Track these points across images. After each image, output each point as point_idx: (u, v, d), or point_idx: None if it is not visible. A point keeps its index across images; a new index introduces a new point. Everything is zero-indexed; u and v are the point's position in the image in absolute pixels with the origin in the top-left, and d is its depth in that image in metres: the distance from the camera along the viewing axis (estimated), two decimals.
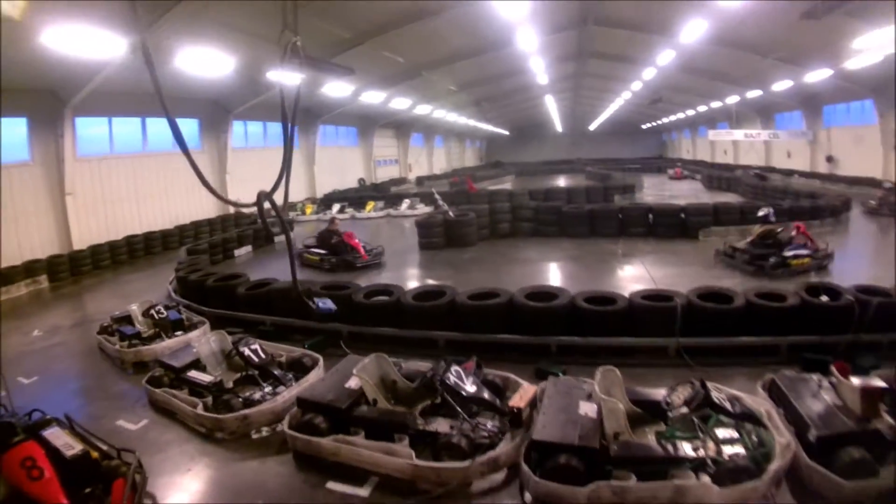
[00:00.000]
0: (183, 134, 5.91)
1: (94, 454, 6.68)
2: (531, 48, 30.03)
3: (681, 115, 67.99)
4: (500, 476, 6.80)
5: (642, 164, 71.54)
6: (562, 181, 52.03)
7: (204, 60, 20.96)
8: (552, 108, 67.26)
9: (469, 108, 55.94)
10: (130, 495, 6.14)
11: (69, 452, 6.39)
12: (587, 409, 6.87)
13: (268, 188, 6.85)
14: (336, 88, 31.52)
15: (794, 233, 17.25)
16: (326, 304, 9.90)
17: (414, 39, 27.77)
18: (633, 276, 16.59)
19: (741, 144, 62.00)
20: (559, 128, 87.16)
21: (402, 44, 27.98)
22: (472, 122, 64.59)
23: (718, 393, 6.98)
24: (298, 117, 7.95)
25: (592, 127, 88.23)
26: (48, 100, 23.07)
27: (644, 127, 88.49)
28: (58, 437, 6.70)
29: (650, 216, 22.26)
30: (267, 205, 6.83)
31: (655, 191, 41.77)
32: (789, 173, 48.75)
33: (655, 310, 10.14)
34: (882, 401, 6.53)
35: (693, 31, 24.55)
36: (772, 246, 16.69)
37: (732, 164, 60.94)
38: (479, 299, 11.02)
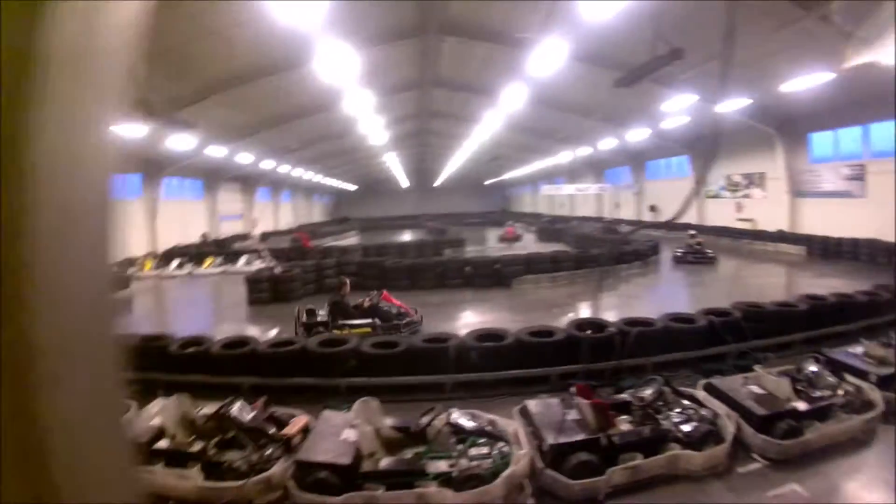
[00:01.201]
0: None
1: None
2: (367, 109, 30.59)
3: (520, 171, 70.40)
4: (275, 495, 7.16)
5: (486, 218, 73.94)
6: (406, 236, 52.57)
7: None
8: (395, 165, 68.48)
9: (314, 164, 55.90)
10: None
11: None
12: (348, 434, 7.47)
13: None
14: (180, 141, 30.86)
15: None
16: None
17: (254, 97, 28.08)
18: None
19: (577, 197, 65.83)
20: (406, 183, 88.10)
21: (243, 101, 28.34)
22: (319, 178, 64.41)
23: (469, 420, 8.03)
24: (142, 169, 8.20)
25: (437, 183, 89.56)
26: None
27: (487, 183, 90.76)
28: None
29: (467, 268, 22.99)
30: None
31: (491, 244, 42.96)
32: (617, 222, 52.19)
33: (433, 351, 10.90)
34: (608, 413, 7.76)
35: (515, 93, 25.92)
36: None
37: (569, 216, 64.07)
38: (277, 346, 11.38)
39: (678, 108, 28.62)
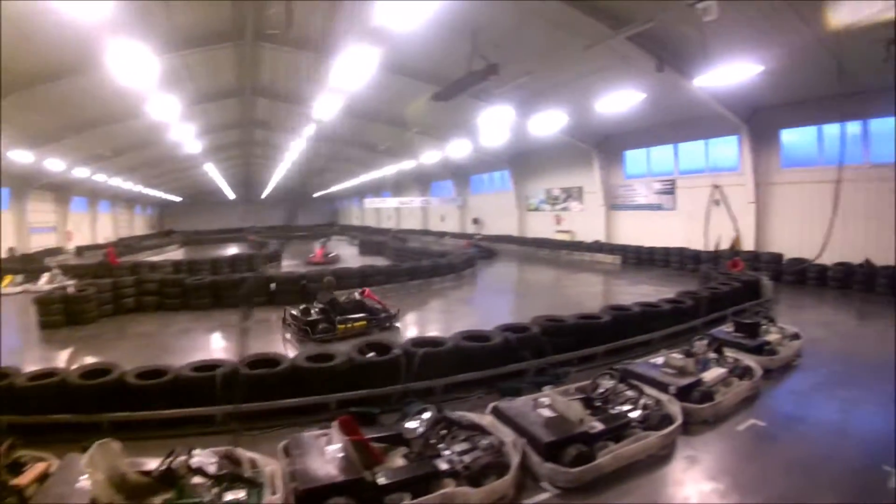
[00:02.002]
0: None
1: None
2: (175, 116, 28.73)
3: (348, 184, 69.66)
4: None
5: (315, 231, 72.60)
6: (231, 249, 50.12)
7: None
8: (218, 176, 65.56)
9: (134, 173, 52.10)
10: None
11: None
12: (545, 412, 8.08)
13: None
14: None
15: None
16: None
17: (54, 99, 25.31)
18: (226, 347, 15.84)
19: (402, 210, 66.51)
20: (232, 195, 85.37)
21: (42, 103, 25.57)
22: (139, 188, 60.17)
23: (214, 460, 6.98)
24: None
25: (265, 195, 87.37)
26: None
27: (316, 195, 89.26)
28: None
29: (272, 285, 21.73)
30: None
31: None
32: (442, 235, 53.56)
33: (199, 380, 9.74)
34: (371, 449, 7.11)
35: (330, 103, 25.28)
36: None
37: (396, 228, 64.64)
38: (37, 379, 9.84)
39: (497, 123, 28.82)
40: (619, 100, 21.37)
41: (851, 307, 20.02)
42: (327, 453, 7.05)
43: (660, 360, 10.59)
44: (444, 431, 7.86)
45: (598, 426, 7.97)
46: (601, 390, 9.00)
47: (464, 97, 22.65)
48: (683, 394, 9.21)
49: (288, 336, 16.25)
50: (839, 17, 15.07)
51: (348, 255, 40.80)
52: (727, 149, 27.84)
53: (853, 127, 22.42)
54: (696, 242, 28.21)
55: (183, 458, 6.61)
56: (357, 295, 17.76)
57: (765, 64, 17.27)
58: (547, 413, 8.32)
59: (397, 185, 63.23)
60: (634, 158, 33.95)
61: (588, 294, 22.99)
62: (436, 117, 31.94)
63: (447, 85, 20.63)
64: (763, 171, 25.99)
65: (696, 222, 29.06)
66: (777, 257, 24.67)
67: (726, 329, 13.15)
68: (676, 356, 10.33)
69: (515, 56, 20.75)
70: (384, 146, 43.00)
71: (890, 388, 10.35)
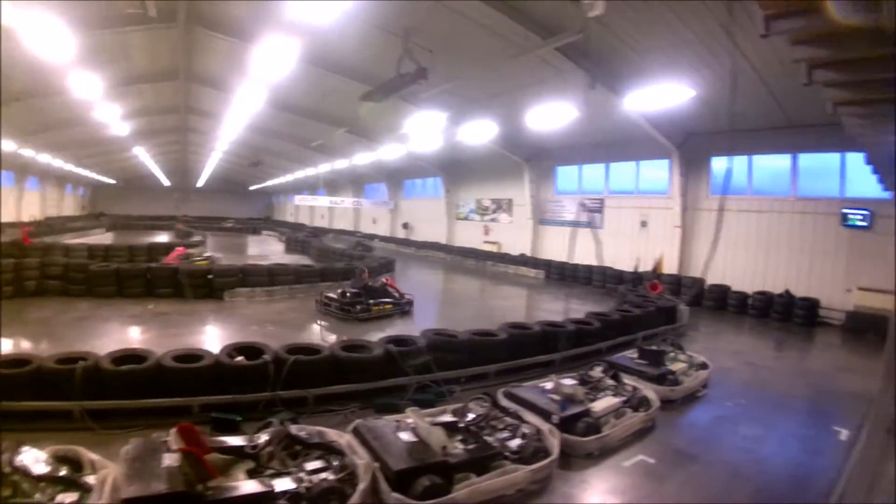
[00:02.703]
0: None
1: None
2: (98, 95, 27.12)
3: (283, 179, 68.28)
4: None
5: (247, 224, 71.63)
6: (161, 237, 47.91)
7: None
8: (151, 161, 63.35)
9: (63, 150, 48.97)
10: None
11: None
12: (406, 436, 7.29)
13: None
14: None
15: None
16: None
17: None
18: (117, 339, 14.74)
19: (336, 210, 65.99)
20: (167, 182, 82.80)
21: None
22: (70, 167, 56.84)
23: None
24: None
25: (200, 184, 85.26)
26: None
27: (253, 188, 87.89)
28: None
29: (178, 277, 20.44)
30: None
31: (231, 252, 40.04)
32: (372, 237, 52.64)
33: (60, 373, 8.72)
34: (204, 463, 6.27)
35: (255, 92, 24.29)
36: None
37: (327, 227, 64.27)
38: None
39: (427, 129, 28.11)
40: (552, 114, 20.77)
41: (768, 336, 19.89)
42: (163, 461, 6.28)
43: (549, 384, 9.78)
44: (298, 447, 7.12)
45: (461, 455, 7.19)
46: (472, 416, 8.20)
47: (396, 100, 22.36)
48: (567, 424, 8.46)
49: (320, 323, 17.78)
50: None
51: (270, 252, 39.70)
52: (658, 172, 27.74)
53: (782, 160, 23.00)
54: (621, 262, 27.94)
55: (6, 455, 5.95)
56: (383, 280, 20.95)
57: (697, 89, 17.09)
58: (407, 437, 7.44)
59: (332, 185, 62.58)
60: (566, 174, 33.81)
61: (502, 308, 22.35)
62: (367, 118, 30.99)
63: (376, 86, 19.91)
64: (692, 196, 26.01)
65: (622, 242, 29.07)
66: (699, 282, 24.51)
67: (630, 355, 12.42)
68: (567, 382, 9.60)
69: (447, 61, 20.20)
70: (315, 143, 41.84)
71: (794, 427, 10.08)
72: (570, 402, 8.97)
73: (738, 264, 24.09)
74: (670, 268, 26.08)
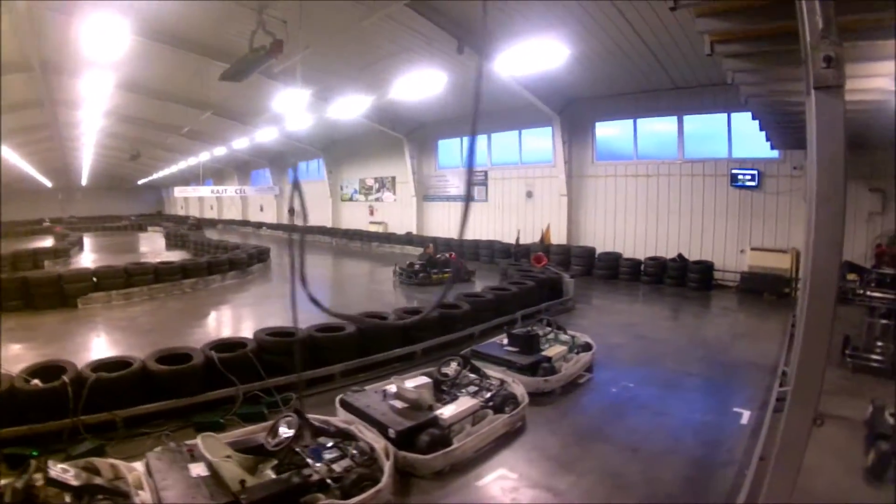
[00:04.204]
0: None
1: None
2: None
3: (168, 172, 64.88)
4: None
5: (137, 221, 67.55)
6: (47, 242, 43.80)
7: None
8: (22, 162, 58.55)
9: None
10: None
11: None
12: (198, 470, 5.95)
13: None
14: None
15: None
16: None
17: None
18: None
19: (224, 200, 63.70)
20: (48, 182, 76.76)
21: None
22: None
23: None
24: None
25: (85, 182, 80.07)
26: None
27: (141, 182, 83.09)
28: None
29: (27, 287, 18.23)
30: None
31: (110, 252, 37.24)
32: (259, 225, 51.66)
33: None
34: None
35: (101, 78, 22.08)
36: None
37: (216, 218, 62.40)
38: None
39: (295, 107, 26.23)
40: (422, 83, 19.87)
41: (661, 304, 19.21)
42: (191, 471, 5.90)
43: (391, 387, 8.10)
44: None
45: (256, 493, 5.68)
46: (279, 438, 6.46)
47: (262, 79, 21.58)
48: (407, 438, 6.92)
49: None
50: None
51: (152, 250, 37.14)
52: (542, 141, 26.94)
53: (667, 123, 22.73)
54: (509, 236, 26.96)
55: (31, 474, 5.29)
56: (447, 255, 24.64)
57: (573, 48, 16.58)
58: (199, 471, 5.93)
59: (219, 174, 60.70)
60: (448, 148, 32.86)
61: (380, 292, 21.40)
62: (233, 99, 29.38)
63: (233, 63, 18.03)
64: (577, 163, 25.44)
65: (509, 214, 28.67)
66: (590, 251, 24.15)
67: (501, 341, 10.92)
68: (414, 382, 7.94)
69: (302, 31, 18.37)
70: (185, 129, 39.28)
71: (689, 412, 8.99)
72: (414, 408, 7.36)
73: (629, 231, 23.83)
74: (559, 238, 25.48)
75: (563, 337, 11.37)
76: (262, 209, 55.84)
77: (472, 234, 29.99)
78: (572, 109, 24.61)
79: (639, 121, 23.47)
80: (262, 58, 16.54)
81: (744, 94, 9.96)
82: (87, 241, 42.97)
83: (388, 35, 19.42)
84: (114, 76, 23.50)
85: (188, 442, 6.52)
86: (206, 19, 19.72)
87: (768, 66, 7.94)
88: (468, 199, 4.53)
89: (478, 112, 3.50)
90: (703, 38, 7.27)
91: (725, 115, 20.72)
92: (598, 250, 24.08)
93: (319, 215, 44.08)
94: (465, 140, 30.78)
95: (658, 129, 23.12)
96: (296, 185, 5.95)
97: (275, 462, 6.26)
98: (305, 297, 4.96)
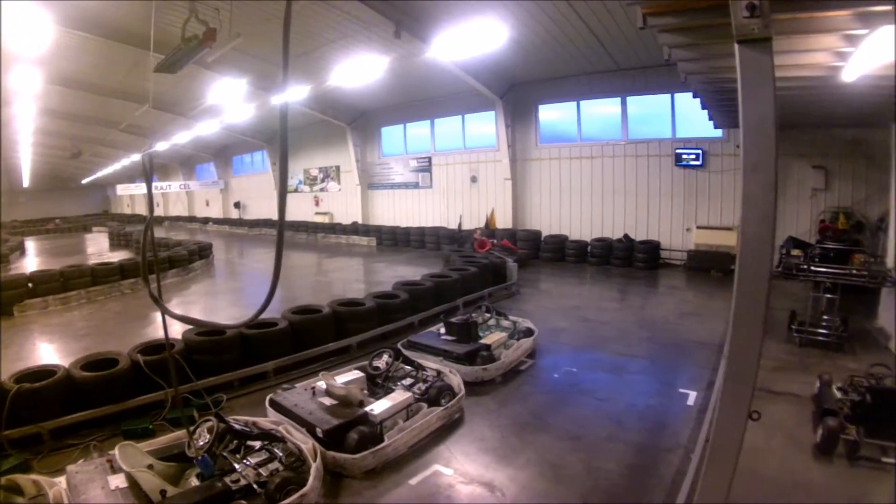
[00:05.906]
0: None
1: None
2: None
3: (112, 169, 62.89)
4: None
5: (81, 222, 65.78)
6: None
7: None
8: None
9: None
10: None
11: None
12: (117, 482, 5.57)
13: None
14: None
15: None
16: None
17: None
18: None
19: (170, 196, 62.44)
20: None
21: None
22: None
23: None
24: None
25: (26, 183, 77.45)
26: None
27: (85, 181, 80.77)
28: None
29: None
30: None
31: (52, 256, 35.96)
32: (206, 221, 50.65)
33: None
34: None
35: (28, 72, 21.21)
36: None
37: (163, 216, 60.65)
38: None
39: (232, 96, 25.55)
40: (361, 69, 19.19)
41: (608, 285, 19.12)
42: (109, 483, 5.57)
43: (321, 383, 7.73)
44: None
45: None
46: (202, 441, 6.05)
47: (198, 69, 21.14)
48: (335, 437, 6.57)
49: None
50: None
51: (96, 251, 35.89)
52: (486, 126, 26.72)
53: (611, 105, 22.76)
54: (454, 222, 26.83)
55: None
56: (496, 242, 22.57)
57: (513, 31, 16.53)
58: (116, 482, 5.56)
59: (164, 170, 59.52)
60: (391, 136, 32.52)
61: (324, 283, 20.92)
62: (171, 92, 28.96)
63: (167, 54, 17.47)
64: (520, 147, 25.37)
65: (454, 200, 28.57)
66: (535, 234, 24.16)
67: (438, 331, 10.61)
68: (344, 378, 7.62)
69: (233, 19, 17.82)
70: (124, 124, 38.25)
71: (633, 396, 8.78)
72: (343, 405, 7.00)
73: (574, 213, 23.89)
74: (505, 223, 25.44)
75: (505, 323, 11.23)
76: (207, 204, 54.71)
77: (416, 221, 30.02)
78: (515, 93, 24.54)
79: (582, 103, 23.40)
80: (196, 48, 15.96)
81: (682, 70, 9.60)
82: (31, 244, 42.27)
83: (325, 21, 19.09)
84: (43, 70, 22.47)
85: (110, 452, 6.07)
86: (137, 7, 18.94)
87: (702, 40, 7.58)
88: None
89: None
90: (636, 11, 6.79)
91: (669, 95, 20.82)
92: (545, 233, 24.13)
93: (265, 208, 43.86)
94: (409, 127, 31.06)
95: (602, 111, 23.03)
96: (147, 175, 5.67)
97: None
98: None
